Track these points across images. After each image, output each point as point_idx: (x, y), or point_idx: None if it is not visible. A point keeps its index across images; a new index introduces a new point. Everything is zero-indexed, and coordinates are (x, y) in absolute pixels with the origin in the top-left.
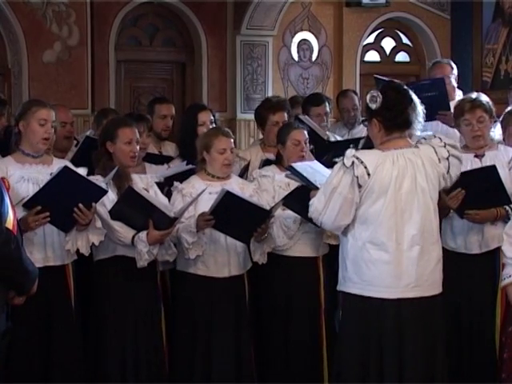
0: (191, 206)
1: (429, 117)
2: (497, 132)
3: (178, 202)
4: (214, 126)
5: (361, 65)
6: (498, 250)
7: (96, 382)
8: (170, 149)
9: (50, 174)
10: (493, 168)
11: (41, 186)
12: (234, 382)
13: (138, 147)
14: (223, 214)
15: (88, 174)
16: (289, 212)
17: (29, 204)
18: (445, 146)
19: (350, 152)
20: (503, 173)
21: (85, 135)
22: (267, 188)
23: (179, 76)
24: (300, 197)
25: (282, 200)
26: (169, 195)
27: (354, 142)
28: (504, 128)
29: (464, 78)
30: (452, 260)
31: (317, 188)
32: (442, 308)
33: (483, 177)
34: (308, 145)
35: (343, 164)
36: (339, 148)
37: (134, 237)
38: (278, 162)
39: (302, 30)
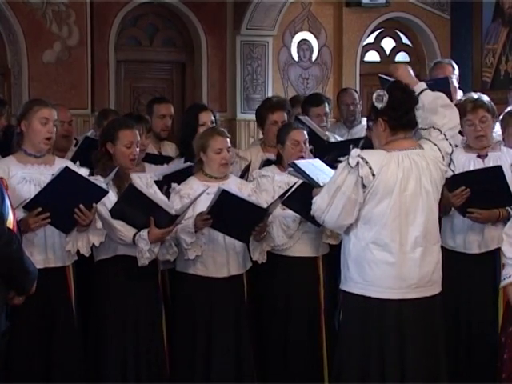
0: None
1: None
2: (496, 132)
3: (176, 204)
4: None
5: (361, 65)
6: (498, 250)
7: (96, 382)
8: (169, 149)
9: (52, 175)
10: (499, 168)
11: (42, 187)
12: (233, 381)
13: (137, 150)
14: (221, 213)
15: (89, 175)
16: (288, 211)
17: (29, 205)
18: (446, 138)
19: (354, 152)
20: (506, 174)
21: (84, 135)
22: (267, 188)
23: (179, 76)
24: (300, 196)
25: (281, 198)
26: (167, 195)
27: (354, 143)
28: (504, 128)
29: (464, 78)
30: (450, 259)
31: (319, 186)
32: (442, 307)
33: (488, 177)
34: (308, 145)
35: (348, 164)
36: (339, 148)
37: (135, 235)
38: (278, 162)
39: (301, 30)
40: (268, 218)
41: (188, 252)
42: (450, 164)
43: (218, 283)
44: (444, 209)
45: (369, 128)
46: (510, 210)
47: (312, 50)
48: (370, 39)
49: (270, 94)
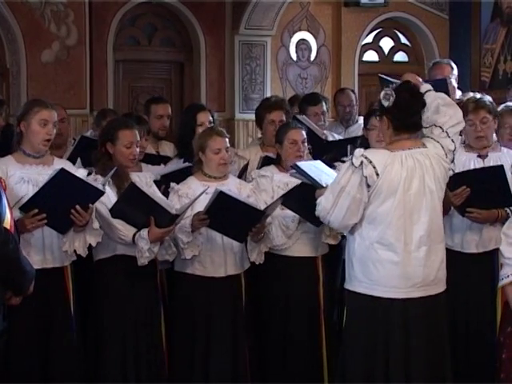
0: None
1: None
2: None
3: (175, 203)
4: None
5: (359, 65)
6: (496, 251)
7: (96, 382)
8: (167, 149)
9: (51, 174)
10: (500, 168)
11: (40, 187)
12: (230, 381)
13: (137, 150)
14: (218, 214)
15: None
16: (287, 211)
17: (26, 207)
18: (448, 135)
19: (358, 151)
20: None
21: (81, 135)
22: (266, 188)
23: (178, 76)
24: (299, 196)
25: (280, 199)
26: (165, 194)
27: (352, 142)
28: (497, 130)
29: (462, 78)
30: (448, 258)
31: (322, 187)
32: (446, 305)
33: (490, 176)
34: (306, 145)
35: (352, 164)
36: (337, 147)
37: (134, 235)
38: (277, 162)
39: (300, 29)
40: (266, 220)
41: (185, 251)
42: (453, 161)
43: (215, 283)
44: (444, 208)
45: (365, 128)
46: (508, 210)
47: (310, 50)
48: (369, 39)
49: (268, 94)
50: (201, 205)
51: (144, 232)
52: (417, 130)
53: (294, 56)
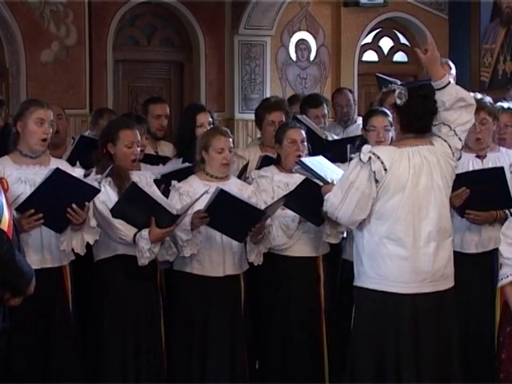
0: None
1: None
2: None
3: (176, 201)
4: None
5: (359, 65)
6: (495, 251)
7: (96, 382)
8: (166, 149)
9: (47, 174)
10: (500, 170)
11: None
12: (228, 382)
13: (138, 150)
14: (218, 213)
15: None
16: (288, 211)
17: (22, 207)
18: (455, 134)
19: (366, 148)
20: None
21: (80, 134)
22: (266, 188)
23: (177, 76)
24: (299, 196)
25: (282, 200)
26: (165, 193)
27: (351, 141)
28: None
29: (462, 77)
30: None
31: (328, 182)
32: (454, 301)
33: (490, 178)
34: (305, 144)
35: (360, 159)
36: (337, 147)
37: (135, 235)
38: (278, 162)
39: (299, 29)
40: (266, 221)
41: (183, 249)
42: (459, 159)
43: (213, 282)
44: None
45: (365, 128)
46: (507, 211)
47: (310, 50)
48: (368, 39)
49: (268, 94)
50: (201, 204)
51: (145, 232)
52: (424, 133)
53: (293, 56)
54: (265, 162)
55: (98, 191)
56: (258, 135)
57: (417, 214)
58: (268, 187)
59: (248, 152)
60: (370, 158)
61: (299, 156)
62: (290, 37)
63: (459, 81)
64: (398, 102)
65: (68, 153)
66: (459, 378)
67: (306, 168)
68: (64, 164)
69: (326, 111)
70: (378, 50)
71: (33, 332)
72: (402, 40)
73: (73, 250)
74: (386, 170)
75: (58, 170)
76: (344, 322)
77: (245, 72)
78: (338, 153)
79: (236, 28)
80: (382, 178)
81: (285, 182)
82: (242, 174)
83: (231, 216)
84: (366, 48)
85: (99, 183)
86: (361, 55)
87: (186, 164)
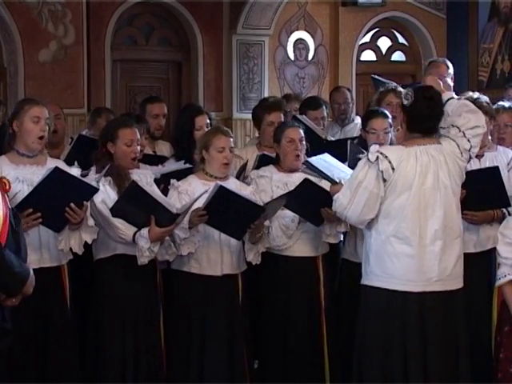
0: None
1: None
2: None
3: (174, 199)
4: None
5: (357, 64)
6: (494, 250)
7: (95, 382)
8: (163, 148)
9: (46, 173)
10: (496, 169)
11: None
12: (226, 381)
13: (138, 148)
14: (217, 210)
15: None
16: (287, 211)
17: (20, 207)
18: (464, 136)
19: (373, 147)
20: (502, 174)
21: (78, 133)
22: (265, 189)
23: (175, 75)
24: (299, 196)
25: (282, 200)
26: (164, 193)
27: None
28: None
29: (460, 77)
30: None
31: (335, 182)
32: (463, 303)
33: (485, 178)
34: (304, 143)
35: (368, 159)
36: (336, 147)
37: (135, 234)
38: (277, 161)
39: (298, 29)
40: (265, 219)
41: (181, 248)
42: (469, 160)
43: (211, 281)
44: None
45: (364, 129)
46: (504, 210)
47: (308, 50)
48: (366, 38)
49: (266, 94)
50: (200, 202)
51: (144, 231)
52: (430, 134)
53: (291, 55)
54: (262, 161)
55: (96, 190)
56: (257, 135)
57: (423, 212)
58: (267, 187)
59: (245, 152)
60: (377, 157)
61: (298, 155)
62: (288, 36)
63: (458, 80)
64: (405, 102)
65: (66, 152)
66: (467, 378)
67: (313, 168)
68: (61, 164)
69: (325, 113)
70: (376, 50)
71: (31, 332)
72: (400, 40)
73: (71, 249)
74: (393, 169)
75: (56, 168)
76: (344, 322)
77: (243, 71)
78: (337, 153)
79: (234, 27)
80: (390, 177)
81: (284, 181)
82: (241, 174)
83: (230, 213)
84: (364, 47)
85: (97, 182)
86: (359, 55)
87: (187, 165)
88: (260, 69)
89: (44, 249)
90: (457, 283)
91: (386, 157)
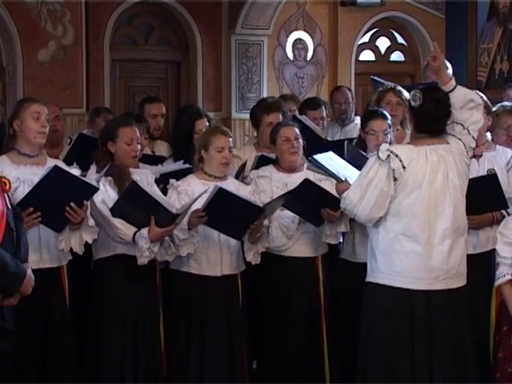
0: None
1: None
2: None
3: (174, 199)
4: None
5: (356, 64)
6: (493, 251)
7: (95, 382)
8: (162, 148)
9: (45, 171)
10: (494, 176)
11: None
12: (226, 381)
13: (139, 147)
14: (216, 211)
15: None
16: (287, 212)
17: (20, 206)
18: (469, 133)
19: (384, 146)
20: (501, 175)
21: (78, 133)
22: (265, 189)
23: (174, 75)
24: (299, 196)
25: (281, 200)
26: (163, 193)
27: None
28: (492, 129)
29: (459, 77)
30: None
31: (340, 180)
32: (467, 299)
33: (483, 185)
34: (300, 141)
35: (378, 157)
36: (336, 147)
37: (135, 234)
38: (276, 161)
39: (296, 29)
40: (264, 219)
41: (180, 248)
42: (472, 157)
43: (211, 282)
44: None
45: (363, 130)
46: (504, 212)
47: (307, 50)
48: (365, 38)
49: (265, 94)
50: (199, 203)
51: (144, 231)
52: (437, 134)
53: (290, 55)
54: (261, 162)
55: (96, 189)
56: (255, 134)
57: (433, 211)
58: (267, 187)
59: (243, 151)
60: (388, 155)
61: (295, 153)
62: (287, 36)
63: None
64: (413, 103)
65: (65, 152)
66: (474, 378)
67: (318, 165)
68: (60, 164)
69: (324, 114)
70: (375, 50)
71: (31, 332)
72: (399, 39)
73: (71, 249)
74: (404, 167)
75: (56, 167)
76: (343, 322)
77: (242, 71)
78: (337, 153)
79: (233, 27)
80: (401, 175)
81: (284, 181)
82: (240, 174)
83: (230, 214)
84: (362, 47)
85: (98, 182)
86: (358, 55)
87: (187, 165)
88: (259, 69)
89: (44, 249)
90: (460, 281)
91: (397, 155)
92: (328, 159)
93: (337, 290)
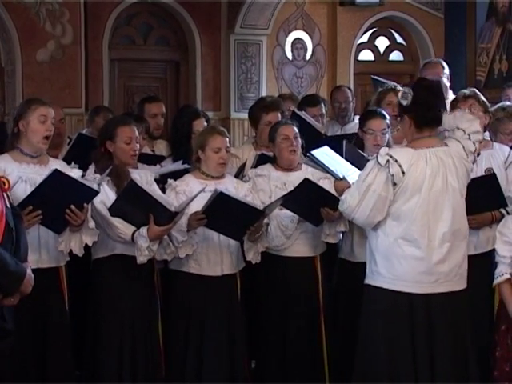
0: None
1: None
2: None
3: (172, 199)
4: None
5: (355, 64)
6: (494, 251)
7: (93, 382)
8: (162, 147)
9: (46, 175)
10: (493, 177)
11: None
12: (226, 381)
13: (137, 145)
14: (216, 214)
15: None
16: (286, 211)
17: (21, 206)
18: (469, 138)
19: (383, 150)
20: (499, 172)
21: (78, 132)
22: (263, 188)
23: (173, 75)
24: (298, 196)
25: (280, 200)
26: (162, 193)
27: (349, 138)
28: (494, 133)
29: (458, 77)
30: None
31: (339, 178)
32: (468, 303)
33: (482, 185)
34: (299, 139)
35: (377, 162)
36: (335, 142)
37: (134, 233)
38: (274, 161)
39: (295, 29)
40: (264, 219)
41: (179, 250)
42: (474, 162)
43: (211, 282)
44: None
45: (361, 129)
46: (502, 210)
47: (306, 49)
48: (364, 38)
49: (264, 93)
50: (197, 204)
51: (143, 230)
52: (437, 125)
53: (289, 55)
54: (261, 161)
55: (96, 193)
56: (254, 134)
57: (432, 215)
58: (265, 186)
59: (242, 151)
60: (387, 160)
61: (294, 151)
62: (286, 36)
63: (455, 80)
64: (405, 102)
65: (64, 152)
66: (475, 379)
67: (316, 161)
68: (62, 164)
69: (323, 110)
70: (374, 50)
71: (29, 332)
72: (398, 39)
73: (71, 250)
74: (403, 172)
75: (56, 171)
76: (342, 321)
77: (241, 71)
78: (336, 149)
79: (232, 27)
80: (400, 180)
81: (282, 180)
82: (240, 174)
83: (229, 216)
84: (362, 47)
85: (99, 185)
86: (357, 54)
87: (186, 165)
88: (258, 68)
89: (43, 249)
90: (461, 284)
91: (396, 160)
92: (325, 155)
93: (336, 290)
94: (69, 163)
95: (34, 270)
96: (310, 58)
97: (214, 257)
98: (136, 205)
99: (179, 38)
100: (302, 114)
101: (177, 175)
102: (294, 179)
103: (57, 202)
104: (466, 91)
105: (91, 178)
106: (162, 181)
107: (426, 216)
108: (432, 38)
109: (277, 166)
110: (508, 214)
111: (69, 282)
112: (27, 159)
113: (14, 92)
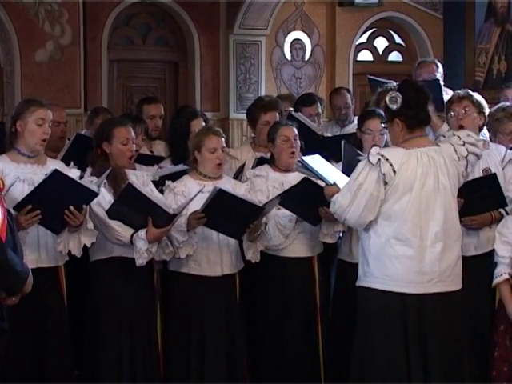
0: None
1: None
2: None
3: (170, 201)
4: None
5: (353, 64)
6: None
7: (92, 382)
8: (160, 148)
9: (45, 175)
10: (493, 176)
11: (35, 187)
12: (226, 381)
13: (134, 146)
14: (215, 212)
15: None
16: (284, 211)
17: (20, 206)
18: (463, 145)
19: (374, 150)
20: (496, 172)
21: (76, 133)
22: (261, 188)
23: (172, 75)
24: (296, 195)
25: (278, 198)
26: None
27: (347, 138)
28: (494, 133)
29: (456, 77)
30: None
31: (329, 183)
32: (463, 304)
33: (483, 185)
34: (298, 141)
35: (369, 161)
36: (332, 143)
37: (132, 235)
38: (272, 161)
39: (294, 29)
40: (263, 217)
41: (179, 251)
42: (467, 167)
43: (211, 282)
44: None
45: (360, 129)
46: (502, 210)
47: (305, 50)
48: (363, 39)
49: (263, 94)
50: (196, 204)
51: (142, 232)
52: (428, 123)
53: (288, 56)
54: (260, 165)
55: (95, 195)
56: (252, 134)
57: (424, 214)
58: (263, 187)
59: (240, 152)
60: (379, 159)
61: (293, 153)
62: (285, 36)
63: (454, 80)
64: (395, 106)
65: (62, 153)
66: (471, 379)
67: (307, 167)
68: (61, 165)
69: (319, 110)
70: (373, 50)
71: (28, 331)
72: (397, 40)
73: (69, 251)
74: (394, 171)
75: (56, 171)
76: (339, 322)
77: (240, 72)
78: (333, 150)
79: (231, 28)
80: (391, 180)
81: (280, 181)
82: (238, 175)
83: (229, 214)
84: (360, 48)
85: (98, 187)
86: (356, 55)
87: (185, 167)
88: (257, 69)
89: (42, 249)
90: (456, 284)
91: (388, 159)
92: (315, 161)
93: (334, 290)
94: (67, 164)
95: (33, 270)
96: (309, 59)
97: (213, 256)
98: (134, 207)
99: (178, 39)
100: (298, 115)
101: (175, 176)
102: (291, 180)
103: (56, 202)
104: (461, 92)
105: (87, 180)
106: (161, 182)
107: (417, 215)
108: (431, 39)
109: (274, 166)
110: (507, 214)
111: (68, 281)
112: (25, 159)
113: (13, 92)
